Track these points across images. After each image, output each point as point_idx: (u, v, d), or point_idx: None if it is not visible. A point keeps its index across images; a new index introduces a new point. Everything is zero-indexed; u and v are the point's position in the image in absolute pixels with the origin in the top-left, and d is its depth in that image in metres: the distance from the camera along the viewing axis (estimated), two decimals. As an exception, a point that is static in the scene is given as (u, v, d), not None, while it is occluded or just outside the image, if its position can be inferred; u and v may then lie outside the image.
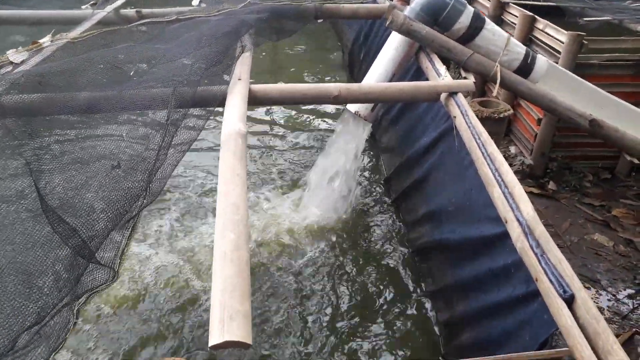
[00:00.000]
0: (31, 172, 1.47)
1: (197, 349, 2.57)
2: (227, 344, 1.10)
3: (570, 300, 1.25)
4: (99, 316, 2.72)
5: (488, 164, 1.82)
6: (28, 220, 1.50)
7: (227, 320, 1.15)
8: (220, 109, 2.20)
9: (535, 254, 1.39)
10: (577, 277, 1.27)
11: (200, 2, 3.62)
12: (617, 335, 2.67)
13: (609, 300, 2.92)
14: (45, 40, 2.95)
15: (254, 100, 2.31)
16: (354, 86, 2.45)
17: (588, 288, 2.99)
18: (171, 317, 2.74)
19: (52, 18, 3.61)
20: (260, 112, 5.08)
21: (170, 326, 2.69)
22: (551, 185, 3.85)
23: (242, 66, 2.43)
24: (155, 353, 2.54)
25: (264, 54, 6.55)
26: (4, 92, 2.03)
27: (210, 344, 1.10)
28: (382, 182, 3.97)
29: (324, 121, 4.99)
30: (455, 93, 2.39)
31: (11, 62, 2.74)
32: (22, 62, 2.73)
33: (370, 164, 4.23)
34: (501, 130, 2.67)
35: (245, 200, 1.53)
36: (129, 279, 2.94)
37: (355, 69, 5.50)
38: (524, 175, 3.94)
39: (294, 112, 5.12)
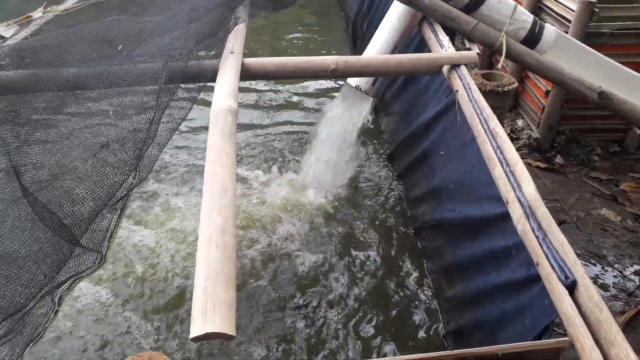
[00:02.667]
0: (9, 153, 1.41)
1: (180, 341, 2.49)
2: (209, 335, 1.05)
3: (572, 287, 1.18)
4: (74, 305, 2.64)
5: (490, 141, 1.74)
6: (8, 204, 1.45)
7: (210, 309, 1.09)
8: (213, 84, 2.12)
9: (537, 237, 1.33)
10: (579, 263, 1.21)
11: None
12: (622, 312, 2.65)
13: (615, 276, 2.87)
14: (36, 13, 2.87)
15: (247, 75, 2.23)
16: (351, 59, 2.35)
17: (594, 264, 2.93)
18: (152, 306, 2.66)
19: (44, -10, 3.50)
20: (254, 86, 4.96)
21: (151, 317, 2.61)
22: (558, 159, 3.77)
23: (236, 39, 2.33)
24: (132, 348, 2.45)
25: (260, 27, 6.38)
26: (-12, 68, 1.96)
27: (191, 336, 1.05)
28: (385, 157, 3.89)
29: (323, 95, 4.88)
30: (458, 65, 2.28)
31: (1, 37, 2.66)
32: (12, 36, 2.66)
33: (373, 139, 4.14)
34: (505, 104, 2.57)
35: (234, 182, 1.47)
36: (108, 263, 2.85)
37: (359, 41, 5.36)
38: (530, 148, 3.85)
39: (290, 86, 5.00)
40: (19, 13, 2.82)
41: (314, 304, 2.71)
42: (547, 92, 3.64)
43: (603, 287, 2.81)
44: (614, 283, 2.83)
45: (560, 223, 1.64)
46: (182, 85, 2.04)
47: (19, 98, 1.90)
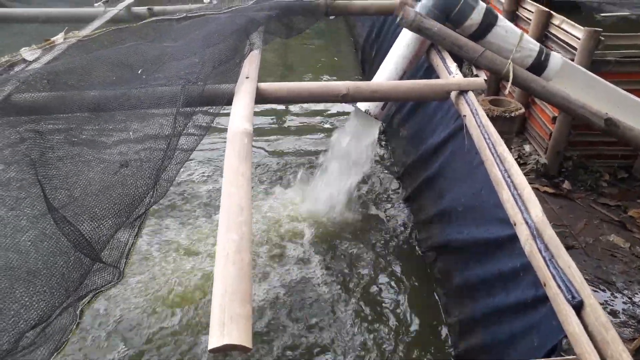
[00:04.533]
0: (36, 172, 1.47)
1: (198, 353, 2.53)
2: (227, 347, 1.09)
3: (579, 307, 1.21)
4: (94, 318, 2.69)
5: (498, 165, 1.79)
6: (34, 220, 1.51)
7: (228, 322, 1.14)
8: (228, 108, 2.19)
9: (544, 258, 1.36)
10: (586, 283, 1.24)
11: (210, -1, 3.61)
12: (632, 340, 2.63)
13: (624, 303, 2.86)
14: (58, 38, 2.97)
15: (261, 99, 2.30)
16: (362, 84, 2.42)
17: (603, 290, 2.93)
18: (171, 321, 2.71)
19: (64, 16, 3.64)
20: (267, 109, 5.06)
21: (170, 331, 2.64)
22: (566, 185, 3.78)
23: (251, 64, 2.42)
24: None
25: (274, 52, 6.52)
26: (14, 90, 2.04)
27: (209, 348, 1.09)
28: (394, 180, 3.93)
29: (333, 119, 4.96)
30: (466, 91, 2.35)
31: (24, 60, 2.76)
32: (35, 60, 2.76)
33: (382, 162, 4.20)
34: (512, 129, 2.62)
35: (249, 201, 1.52)
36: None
37: (367, 66, 5.46)
38: (538, 174, 3.88)
39: (301, 110, 5.10)
40: (38, 37, 2.92)
41: (318, 322, 2.73)
42: (554, 118, 3.69)
43: (612, 313, 2.80)
44: (623, 309, 2.82)
45: (568, 248, 1.64)
46: (199, 108, 2.11)
47: (43, 119, 1.98)
